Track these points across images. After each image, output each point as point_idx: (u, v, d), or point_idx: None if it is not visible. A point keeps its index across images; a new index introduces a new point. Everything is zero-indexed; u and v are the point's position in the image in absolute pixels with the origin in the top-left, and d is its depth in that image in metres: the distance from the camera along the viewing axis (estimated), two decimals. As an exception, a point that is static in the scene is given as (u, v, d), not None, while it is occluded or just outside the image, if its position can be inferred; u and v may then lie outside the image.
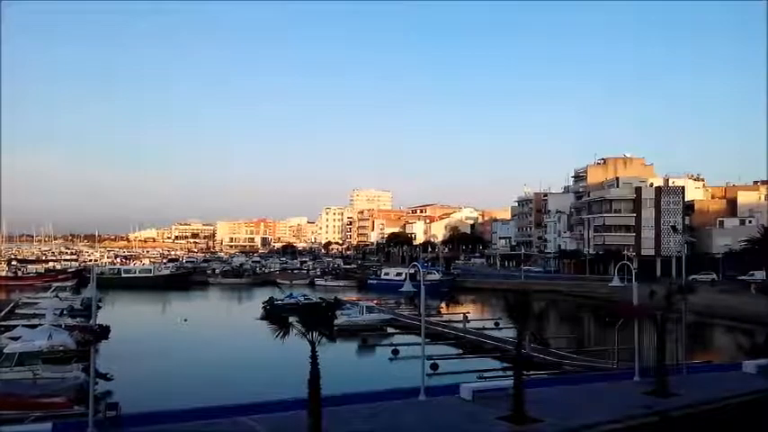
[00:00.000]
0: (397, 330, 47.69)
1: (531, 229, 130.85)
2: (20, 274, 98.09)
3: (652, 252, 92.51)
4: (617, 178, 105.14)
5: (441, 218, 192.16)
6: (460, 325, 46.28)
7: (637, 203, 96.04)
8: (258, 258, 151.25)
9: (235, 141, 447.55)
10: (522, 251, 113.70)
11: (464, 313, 52.41)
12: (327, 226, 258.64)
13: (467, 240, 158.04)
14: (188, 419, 17.67)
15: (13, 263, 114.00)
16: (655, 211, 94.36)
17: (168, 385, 28.70)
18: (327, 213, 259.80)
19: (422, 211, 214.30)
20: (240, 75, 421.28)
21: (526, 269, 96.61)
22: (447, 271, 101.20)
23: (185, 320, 52.38)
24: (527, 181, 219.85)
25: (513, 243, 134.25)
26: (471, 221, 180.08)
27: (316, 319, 14.97)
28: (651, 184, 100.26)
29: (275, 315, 16.55)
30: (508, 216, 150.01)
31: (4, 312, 49.14)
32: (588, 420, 17.53)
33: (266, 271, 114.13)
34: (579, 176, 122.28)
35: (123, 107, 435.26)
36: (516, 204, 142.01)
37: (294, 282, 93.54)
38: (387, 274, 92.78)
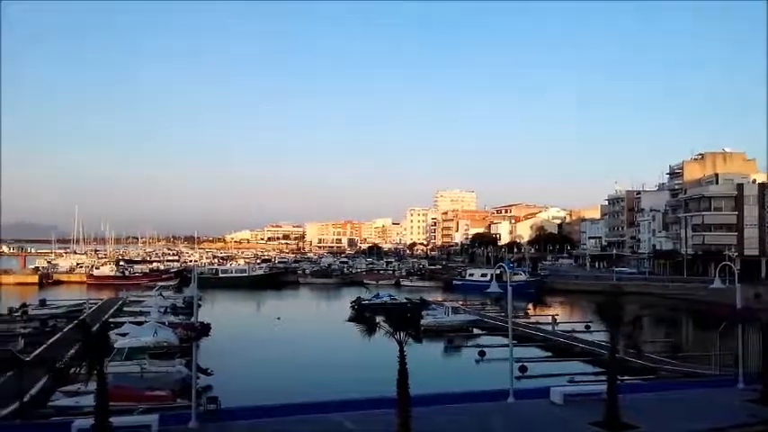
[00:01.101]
0: (483, 332, 47.15)
1: (622, 228, 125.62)
2: (127, 273, 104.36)
3: (756, 252, 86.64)
4: (716, 174, 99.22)
5: (526, 218, 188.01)
6: (549, 327, 45.19)
7: (739, 201, 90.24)
8: (345, 259, 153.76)
9: (322, 145, 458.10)
10: (614, 251, 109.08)
11: (552, 315, 51.13)
12: (412, 227, 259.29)
13: (554, 240, 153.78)
14: (282, 414, 18.27)
15: (120, 263, 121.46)
16: (758, 208, 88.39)
17: (263, 381, 29.70)
18: (412, 214, 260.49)
19: (507, 211, 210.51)
20: (325, 73, 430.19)
21: (618, 270, 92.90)
22: (534, 272, 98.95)
23: (278, 319, 54.09)
24: (617, 178, 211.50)
25: (604, 243, 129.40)
26: (558, 221, 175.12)
27: (403, 320, 15.09)
28: (754, 181, 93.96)
29: (363, 315, 16.84)
30: (597, 215, 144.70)
31: (114, 310, 52.60)
32: (687, 428, 16.70)
33: (353, 271, 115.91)
34: (675, 173, 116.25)
35: (211, 115, 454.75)
36: (606, 203, 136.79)
37: (380, 282, 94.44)
38: (472, 274, 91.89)
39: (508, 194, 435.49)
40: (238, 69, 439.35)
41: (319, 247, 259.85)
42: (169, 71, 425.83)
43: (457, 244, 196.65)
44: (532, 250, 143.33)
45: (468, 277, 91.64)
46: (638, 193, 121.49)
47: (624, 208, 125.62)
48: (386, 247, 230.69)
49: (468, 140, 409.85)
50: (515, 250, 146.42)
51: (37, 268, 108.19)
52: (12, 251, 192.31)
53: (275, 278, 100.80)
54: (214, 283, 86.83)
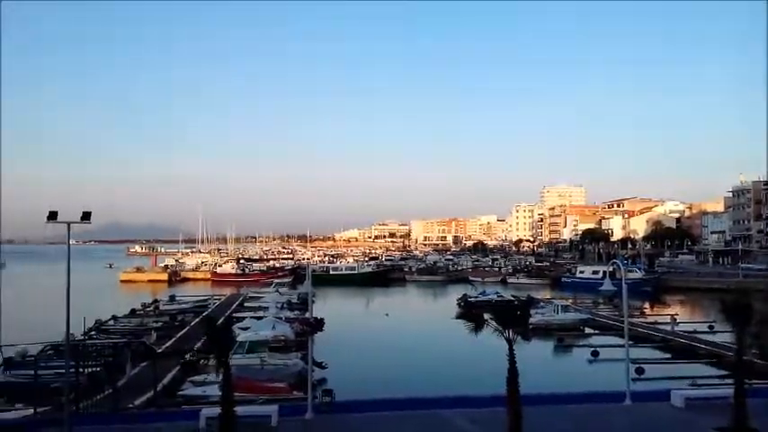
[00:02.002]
0: (596, 331, 45.28)
1: (749, 221, 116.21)
2: (246, 271, 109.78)
3: None
4: None
5: (641, 212, 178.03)
6: (668, 327, 42.60)
7: None
8: (451, 256, 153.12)
9: (426, 144, 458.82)
10: (740, 246, 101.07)
11: (671, 315, 48.16)
12: (518, 223, 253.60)
13: (671, 236, 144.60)
14: (393, 409, 18.55)
15: (241, 261, 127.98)
16: None
17: (375, 375, 30.21)
18: (518, 211, 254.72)
19: (619, 206, 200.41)
20: (432, 71, 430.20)
21: (745, 267, 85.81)
22: (650, 269, 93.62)
23: (387, 315, 54.87)
24: (742, 169, 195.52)
25: (728, 238, 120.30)
26: (676, 215, 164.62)
27: (511, 317, 14.82)
28: None
29: (471, 313, 16.71)
30: (720, 208, 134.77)
31: (236, 305, 55.55)
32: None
33: (459, 268, 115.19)
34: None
35: (325, 120, 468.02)
36: (730, 195, 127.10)
37: (486, 279, 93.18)
38: (582, 272, 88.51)
39: (619, 188, 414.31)
40: (351, 73, 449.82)
41: (425, 245, 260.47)
42: (285, 77, 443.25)
43: (565, 240, 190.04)
44: (648, 246, 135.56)
45: (578, 274, 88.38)
46: (767, 183, 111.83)
47: (751, 200, 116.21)
48: (491, 244, 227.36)
49: (576, 133, 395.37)
50: (629, 246, 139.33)
51: (166, 266, 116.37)
52: (144, 251, 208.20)
53: (383, 275, 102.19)
54: (325, 280, 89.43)
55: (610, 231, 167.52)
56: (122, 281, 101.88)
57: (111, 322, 43.96)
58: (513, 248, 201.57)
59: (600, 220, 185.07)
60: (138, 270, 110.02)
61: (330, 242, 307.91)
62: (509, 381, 14.32)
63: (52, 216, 16.03)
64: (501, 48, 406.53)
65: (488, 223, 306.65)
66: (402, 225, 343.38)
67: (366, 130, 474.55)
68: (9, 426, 17.90)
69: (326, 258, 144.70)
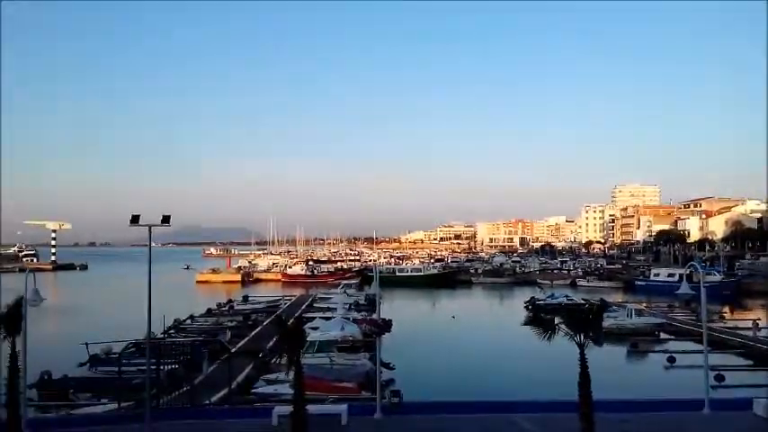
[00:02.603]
0: (672, 336, 43.34)
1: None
2: (315, 272, 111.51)
3: None
4: None
5: (719, 212, 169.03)
6: (749, 333, 40.34)
7: None
8: (518, 258, 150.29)
9: (493, 145, 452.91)
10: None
11: (753, 320, 45.49)
12: (587, 224, 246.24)
13: (752, 237, 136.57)
14: (460, 411, 18.39)
15: (310, 263, 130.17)
16: None
17: (441, 377, 30.05)
18: (587, 211, 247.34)
19: (696, 206, 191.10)
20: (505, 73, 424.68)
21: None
22: (729, 272, 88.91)
23: (453, 317, 54.44)
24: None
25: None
26: (758, 215, 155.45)
27: (583, 321, 14.41)
28: None
29: (540, 318, 16.35)
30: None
31: (305, 306, 56.53)
32: None
33: (526, 271, 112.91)
34: None
35: (390, 126, 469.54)
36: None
37: (555, 282, 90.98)
38: (657, 274, 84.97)
39: (695, 188, 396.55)
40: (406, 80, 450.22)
41: (490, 247, 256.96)
42: (347, 86, 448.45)
43: (638, 242, 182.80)
44: (727, 248, 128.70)
45: (652, 277, 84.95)
46: None
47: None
48: (559, 245, 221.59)
49: (648, 131, 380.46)
50: (707, 248, 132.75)
51: (240, 268, 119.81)
52: (219, 253, 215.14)
53: (448, 277, 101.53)
54: (391, 281, 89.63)
55: (686, 232, 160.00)
56: (199, 282, 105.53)
57: (189, 321, 45.56)
58: (583, 250, 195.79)
59: (675, 221, 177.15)
60: (214, 271, 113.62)
61: (396, 244, 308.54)
62: (581, 386, 13.92)
63: (135, 220, 16.84)
64: (580, 45, 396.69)
65: (556, 224, 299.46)
66: (467, 227, 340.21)
67: (428, 134, 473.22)
68: (96, 419, 18.85)
69: (392, 260, 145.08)
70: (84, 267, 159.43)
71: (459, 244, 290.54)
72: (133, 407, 19.84)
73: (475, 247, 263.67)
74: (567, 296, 60.92)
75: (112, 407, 20.92)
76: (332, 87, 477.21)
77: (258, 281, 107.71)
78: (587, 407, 13.81)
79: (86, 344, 29.81)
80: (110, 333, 33.48)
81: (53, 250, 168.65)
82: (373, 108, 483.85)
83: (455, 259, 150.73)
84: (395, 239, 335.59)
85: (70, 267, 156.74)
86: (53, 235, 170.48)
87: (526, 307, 56.07)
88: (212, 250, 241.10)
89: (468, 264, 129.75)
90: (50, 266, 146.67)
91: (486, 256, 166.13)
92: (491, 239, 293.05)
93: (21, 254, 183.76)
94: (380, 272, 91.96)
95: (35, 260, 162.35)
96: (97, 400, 23.24)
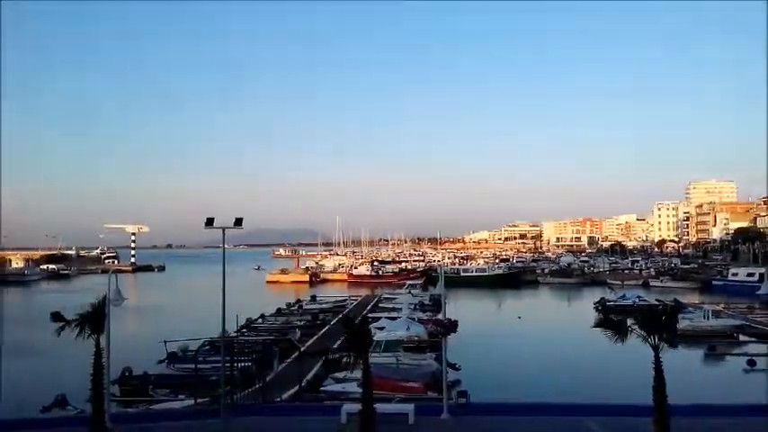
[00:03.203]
0: (752, 338, 41.09)
1: None
2: (380, 272, 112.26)
3: None
4: None
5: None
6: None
7: None
8: (586, 258, 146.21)
9: (560, 144, 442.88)
10: None
11: (844, 322, 42.59)
12: (660, 223, 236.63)
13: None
14: (528, 413, 18.05)
15: (375, 263, 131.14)
16: None
17: (508, 379, 29.65)
18: (659, 209, 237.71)
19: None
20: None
21: None
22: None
23: (519, 318, 53.54)
24: None
25: None
26: None
27: (657, 323, 13.87)
28: None
29: (611, 320, 15.84)
30: None
31: (371, 306, 56.96)
32: None
33: (595, 270, 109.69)
34: None
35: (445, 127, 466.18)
36: None
37: (626, 282, 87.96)
38: (735, 274, 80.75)
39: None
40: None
41: (557, 246, 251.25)
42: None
43: (714, 240, 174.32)
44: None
45: (730, 277, 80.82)
46: None
47: None
48: (630, 244, 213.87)
49: (726, 125, 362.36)
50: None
51: (307, 268, 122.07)
52: (288, 254, 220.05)
53: (514, 277, 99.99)
54: (456, 281, 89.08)
55: (766, 230, 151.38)
56: (269, 282, 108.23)
57: (260, 320, 46.72)
58: (656, 249, 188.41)
59: (754, 218, 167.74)
60: (283, 272, 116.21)
61: (460, 244, 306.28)
62: (655, 390, 13.41)
63: (209, 222, 17.46)
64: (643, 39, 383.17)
65: (627, 223, 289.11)
66: (533, 226, 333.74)
67: (488, 134, 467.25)
68: (174, 414, 19.62)
69: (457, 260, 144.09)
70: (161, 269, 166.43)
71: (525, 244, 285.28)
72: (209, 402, 20.53)
73: (541, 247, 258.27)
74: (639, 297, 58.79)
75: (189, 402, 21.69)
76: (392, 89, 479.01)
77: (325, 281, 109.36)
78: (661, 411, 13.28)
79: (165, 342, 31.10)
80: (186, 331, 34.81)
81: (132, 252, 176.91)
82: (431, 109, 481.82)
83: (520, 259, 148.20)
84: (459, 239, 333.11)
85: (149, 269, 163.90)
86: (132, 238, 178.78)
87: (596, 308, 54.35)
88: (281, 251, 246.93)
89: (533, 264, 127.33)
90: (130, 268, 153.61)
91: (553, 256, 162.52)
92: (558, 239, 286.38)
93: (103, 256, 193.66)
94: (445, 272, 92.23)
95: (116, 262, 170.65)
96: (175, 395, 24.14)
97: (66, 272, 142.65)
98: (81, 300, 15.88)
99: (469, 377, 26.60)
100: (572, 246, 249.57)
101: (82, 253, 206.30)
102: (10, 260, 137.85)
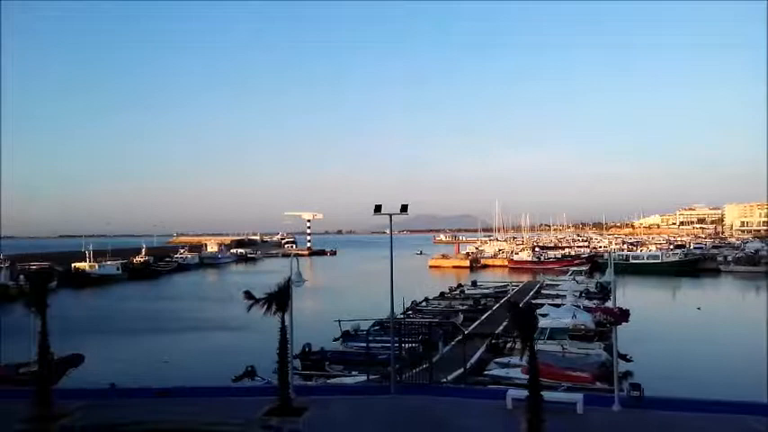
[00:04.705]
0: None
1: None
2: (542, 258, 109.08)
3: None
4: None
5: None
6: None
7: None
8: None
9: (739, 116, 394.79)
10: None
11: None
12: None
13: None
14: (706, 410, 16.45)
15: (536, 249, 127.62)
16: None
17: (684, 373, 27.29)
18: None
19: None
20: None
21: None
22: None
23: (699, 308, 48.97)
24: None
25: None
26: None
27: None
28: None
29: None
30: None
31: (533, 292, 55.52)
32: None
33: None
34: None
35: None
36: None
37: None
38: None
39: None
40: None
41: (742, 232, 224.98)
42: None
43: None
44: None
45: None
46: None
47: None
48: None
49: None
50: None
51: (468, 254, 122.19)
52: (448, 239, 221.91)
53: (691, 265, 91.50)
54: (624, 268, 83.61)
55: None
56: (431, 266, 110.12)
57: (424, 304, 47.60)
58: None
59: None
60: (444, 257, 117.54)
61: (628, 229, 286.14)
62: None
63: (378, 209, 18.11)
64: None
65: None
66: (713, 209, 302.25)
67: (663, 112, 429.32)
68: (348, 389, 20.69)
69: (625, 246, 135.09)
70: (333, 253, 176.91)
71: (704, 228, 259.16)
72: (379, 380, 21.38)
73: (722, 232, 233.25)
74: None
75: (361, 378, 22.76)
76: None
77: (485, 266, 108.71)
78: None
79: (338, 321, 32.93)
80: (357, 312, 36.60)
81: (308, 237, 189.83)
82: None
83: (698, 245, 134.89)
84: (627, 224, 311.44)
85: (322, 253, 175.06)
86: (308, 224, 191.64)
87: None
88: (442, 237, 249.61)
89: (714, 250, 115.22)
90: (307, 252, 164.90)
91: (738, 242, 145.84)
92: (743, 223, 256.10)
93: (282, 241, 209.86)
94: (613, 259, 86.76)
95: (294, 246, 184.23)
96: (348, 371, 25.46)
97: (252, 255, 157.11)
98: (266, 281, 17.30)
99: (642, 370, 24.97)
100: (759, 231, 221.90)
101: (265, 238, 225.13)
102: (206, 245, 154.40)
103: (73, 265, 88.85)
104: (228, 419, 15.51)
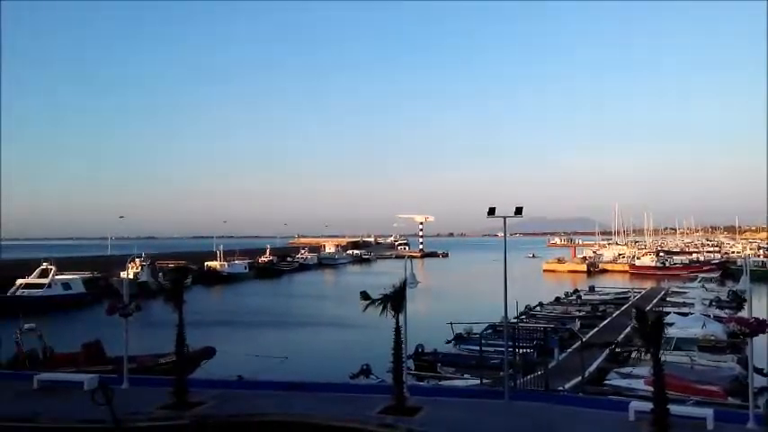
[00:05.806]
0: None
1: None
2: (667, 264, 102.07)
3: None
4: None
5: None
6: None
7: None
8: None
9: None
10: None
11: None
12: None
13: None
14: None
15: (660, 254, 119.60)
16: None
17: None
18: None
19: None
20: None
21: None
22: None
23: None
24: None
25: None
26: None
27: None
28: None
29: None
30: None
31: (657, 299, 52.06)
32: None
33: None
34: None
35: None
36: None
37: None
38: None
39: None
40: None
41: None
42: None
43: None
44: None
45: None
46: None
47: None
48: None
49: None
50: None
51: (585, 258, 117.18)
52: (563, 242, 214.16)
53: None
54: (760, 276, 76.11)
55: None
56: (545, 270, 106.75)
57: (539, 308, 46.23)
58: None
59: None
60: (559, 261, 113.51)
61: (765, 233, 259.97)
62: None
63: (491, 212, 17.89)
64: None
65: None
66: None
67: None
68: (460, 392, 20.51)
69: (761, 252, 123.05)
70: (445, 255, 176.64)
71: None
72: (492, 384, 21.02)
73: None
74: None
75: (474, 382, 22.49)
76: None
77: (604, 271, 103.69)
78: None
79: (451, 323, 32.81)
80: (469, 314, 36.29)
81: (420, 240, 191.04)
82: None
83: None
84: (764, 228, 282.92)
85: (434, 255, 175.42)
86: (420, 227, 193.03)
87: None
88: (556, 240, 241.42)
89: None
90: (419, 254, 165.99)
91: None
92: None
93: (396, 243, 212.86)
94: (748, 265, 79.27)
95: (407, 248, 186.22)
96: (461, 374, 25.25)
97: (367, 257, 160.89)
98: (380, 281, 17.59)
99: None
100: None
101: (379, 240, 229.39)
102: (324, 246, 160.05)
103: (205, 264, 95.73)
104: (347, 415, 15.95)
